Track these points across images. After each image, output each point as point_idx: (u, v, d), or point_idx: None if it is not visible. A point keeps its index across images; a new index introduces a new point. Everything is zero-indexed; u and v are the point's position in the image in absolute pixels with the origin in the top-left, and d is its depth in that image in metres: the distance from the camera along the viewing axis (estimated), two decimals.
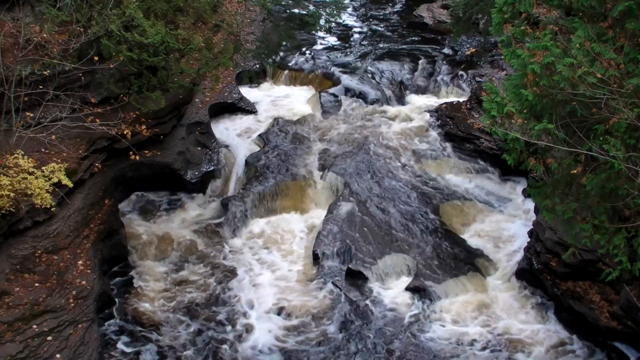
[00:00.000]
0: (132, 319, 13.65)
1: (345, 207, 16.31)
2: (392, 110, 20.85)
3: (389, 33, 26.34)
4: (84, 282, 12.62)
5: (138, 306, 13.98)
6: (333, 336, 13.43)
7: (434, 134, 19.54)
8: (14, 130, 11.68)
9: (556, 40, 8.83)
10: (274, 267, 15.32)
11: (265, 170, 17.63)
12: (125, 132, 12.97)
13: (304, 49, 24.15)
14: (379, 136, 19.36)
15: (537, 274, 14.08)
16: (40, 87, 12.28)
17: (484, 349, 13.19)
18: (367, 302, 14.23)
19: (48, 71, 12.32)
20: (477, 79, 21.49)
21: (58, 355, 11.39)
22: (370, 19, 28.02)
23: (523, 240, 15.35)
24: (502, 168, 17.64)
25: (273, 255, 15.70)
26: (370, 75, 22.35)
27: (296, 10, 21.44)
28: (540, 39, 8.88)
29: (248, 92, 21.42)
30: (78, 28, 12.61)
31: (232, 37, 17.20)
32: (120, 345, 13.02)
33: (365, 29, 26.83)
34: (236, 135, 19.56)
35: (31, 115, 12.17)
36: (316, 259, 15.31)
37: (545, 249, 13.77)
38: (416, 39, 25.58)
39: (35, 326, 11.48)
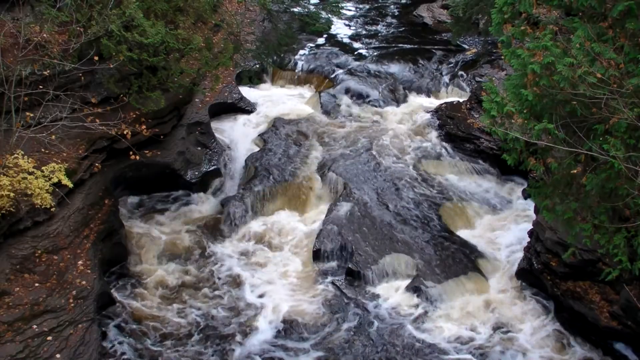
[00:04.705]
0: (132, 319, 13.65)
1: (345, 207, 16.32)
2: (391, 110, 20.86)
3: (388, 33, 26.35)
4: (84, 282, 12.62)
5: (138, 306, 13.97)
6: (333, 336, 13.43)
7: (434, 134, 19.54)
8: (14, 130, 11.66)
9: (556, 40, 8.83)
10: (273, 266, 15.31)
11: (265, 170, 17.63)
12: (125, 132, 12.95)
13: (303, 49, 24.16)
14: (379, 136, 19.36)
15: (537, 274, 14.08)
16: (40, 87, 12.27)
17: (483, 349, 13.18)
18: (367, 302, 14.24)
19: (48, 71, 12.30)
20: (477, 79, 21.51)
21: (58, 355, 11.38)
22: (370, 19, 28.03)
23: (523, 240, 15.35)
24: (502, 168, 17.64)
25: (273, 255, 15.70)
26: (370, 76, 22.34)
27: (296, 10, 21.47)
28: (540, 39, 8.87)
29: (248, 92, 21.43)
30: (78, 28, 12.59)
31: (232, 37, 17.22)
32: (120, 346, 13.02)
33: (365, 29, 26.84)
34: (236, 135, 19.56)
35: (31, 115, 12.15)
36: (316, 258, 15.31)
37: (545, 249, 13.76)
38: (416, 39, 25.58)
39: (35, 326, 11.47)
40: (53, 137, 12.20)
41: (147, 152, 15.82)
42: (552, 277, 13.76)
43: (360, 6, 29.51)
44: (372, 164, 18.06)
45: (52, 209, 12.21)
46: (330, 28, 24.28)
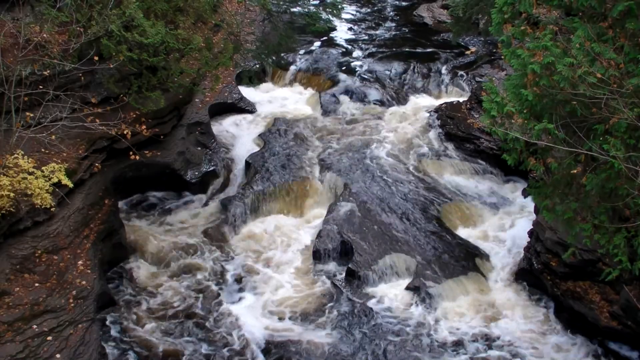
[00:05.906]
0: (131, 319, 13.64)
1: (345, 207, 16.31)
2: (392, 110, 20.87)
3: (389, 33, 26.36)
4: (84, 282, 12.62)
5: (138, 306, 13.98)
6: (333, 336, 13.42)
7: (434, 134, 19.55)
8: (14, 130, 11.66)
9: (556, 40, 8.83)
10: (274, 267, 15.31)
11: (265, 171, 17.63)
12: (125, 132, 12.95)
13: (303, 49, 24.17)
14: (379, 136, 19.37)
15: (537, 274, 14.09)
16: (40, 87, 12.27)
17: (483, 349, 13.19)
18: (367, 302, 14.23)
19: (48, 71, 12.30)
20: (477, 79, 21.52)
21: (58, 355, 11.39)
22: (370, 20, 28.03)
23: (523, 240, 15.35)
24: (502, 168, 17.65)
25: (273, 255, 15.69)
26: (370, 76, 22.35)
27: (296, 10, 21.47)
28: (540, 39, 8.88)
29: (248, 92, 21.45)
30: (78, 28, 12.60)
31: (232, 37, 17.23)
32: (119, 346, 13.02)
33: (365, 30, 26.84)
34: (236, 135, 19.58)
35: (31, 115, 12.15)
36: (316, 258, 15.32)
37: (545, 249, 13.77)
38: (416, 39, 25.59)
39: (35, 326, 11.47)
40: (53, 137, 12.20)
41: (147, 152, 15.83)
42: (552, 277, 13.77)
43: (361, 8, 29.51)
44: (372, 163, 18.06)
45: (52, 209, 12.21)
46: (330, 29, 24.28)
